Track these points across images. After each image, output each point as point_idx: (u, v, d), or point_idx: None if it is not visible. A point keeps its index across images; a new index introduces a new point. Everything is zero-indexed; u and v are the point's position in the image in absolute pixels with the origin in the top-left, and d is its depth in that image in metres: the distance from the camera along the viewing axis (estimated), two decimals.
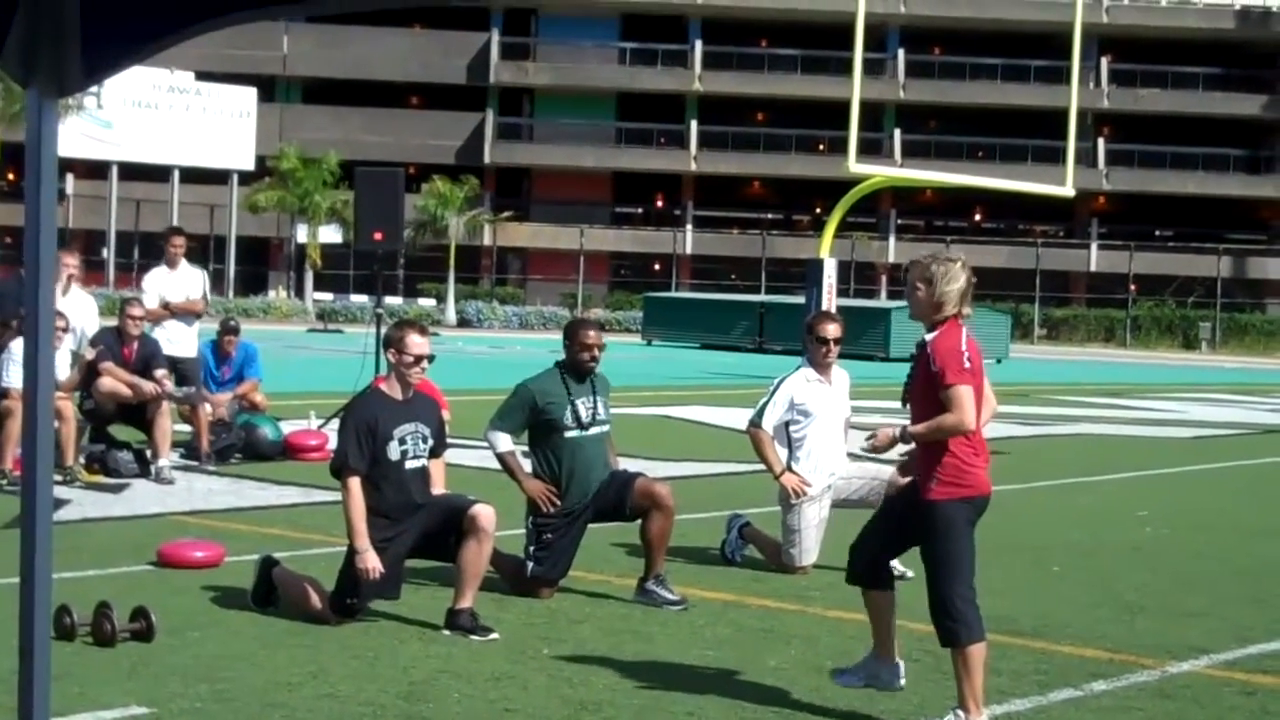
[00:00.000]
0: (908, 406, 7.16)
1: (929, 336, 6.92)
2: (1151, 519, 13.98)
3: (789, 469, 10.63)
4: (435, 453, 8.83)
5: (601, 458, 9.71)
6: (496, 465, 9.84)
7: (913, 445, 7.04)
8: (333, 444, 11.28)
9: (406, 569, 8.83)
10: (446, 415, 10.34)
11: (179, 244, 15.81)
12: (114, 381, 13.92)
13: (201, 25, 1.99)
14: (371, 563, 8.29)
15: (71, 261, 14.44)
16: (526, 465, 9.74)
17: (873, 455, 7.87)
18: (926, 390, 6.90)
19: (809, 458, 10.65)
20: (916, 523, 7.00)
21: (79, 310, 14.12)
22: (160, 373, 14.14)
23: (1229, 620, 9.44)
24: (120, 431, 14.59)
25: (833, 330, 10.75)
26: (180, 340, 15.32)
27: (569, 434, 9.53)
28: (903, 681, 7.33)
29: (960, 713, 6.91)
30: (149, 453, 14.07)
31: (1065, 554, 11.78)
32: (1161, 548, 12.45)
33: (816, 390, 10.68)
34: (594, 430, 9.63)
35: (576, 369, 9.65)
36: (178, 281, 15.60)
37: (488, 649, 8.09)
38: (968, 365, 6.81)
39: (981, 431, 7.01)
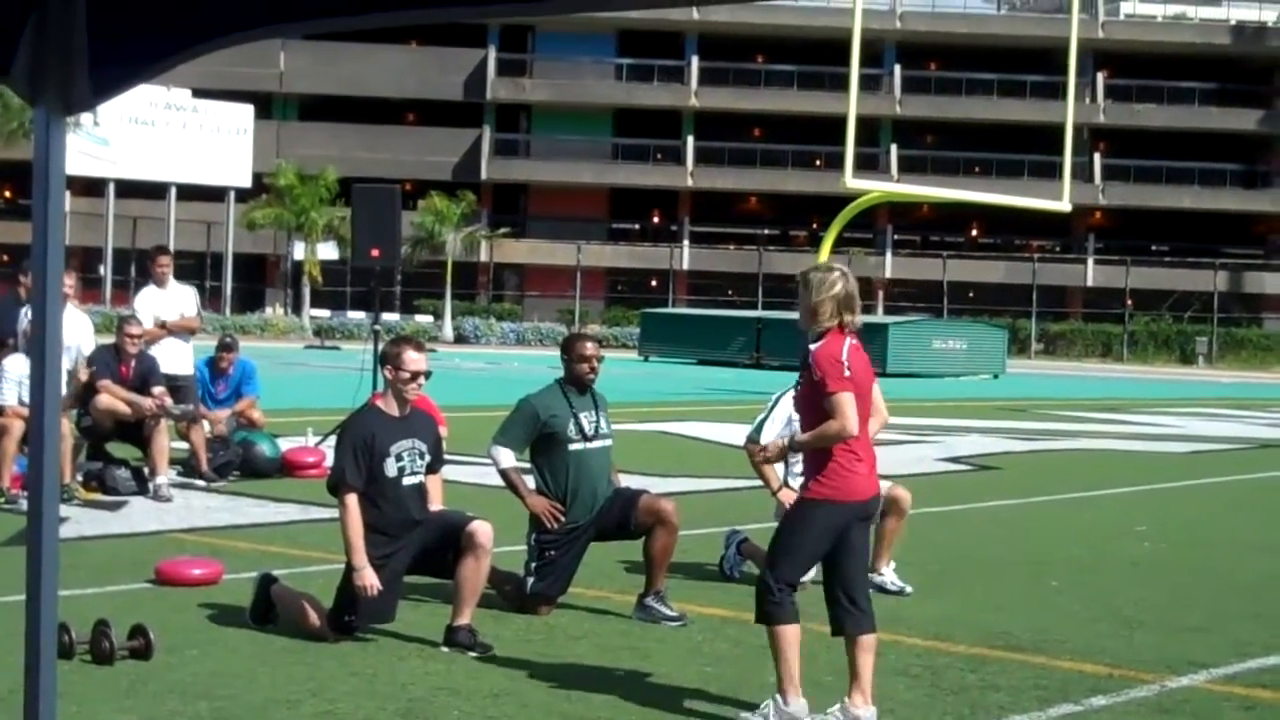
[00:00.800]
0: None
1: (812, 347, 7.21)
2: (1150, 534, 13.98)
3: (786, 485, 10.62)
4: (433, 469, 8.83)
5: (605, 472, 9.71)
6: (495, 482, 9.85)
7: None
8: (330, 461, 11.28)
9: (405, 585, 8.83)
10: (444, 432, 10.35)
11: (165, 263, 15.81)
12: (112, 399, 13.91)
13: (208, 44, 2.00)
14: (369, 580, 8.29)
15: (68, 281, 14.44)
16: (530, 482, 9.74)
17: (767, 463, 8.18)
18: (811, 399, 7.18)
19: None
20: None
21: (74, 328, 14.12)
22: (158, 390, 14.14)
23: (1228, 635, 9.44)
24: (117, 449, 14.59)
25: None
26: (176, 358, 15.30)
27: (573, 446, 9.53)
28: None
29: (777, 697, 7.05)
30: (146, 470, 14.07)
31: (1064, 569, 11.78)
32: (1160, 562, 12.46)
33: None
34: (597, 443, 9.63)
35: (577, 382, 9.66)
36: (169, 300, 15.59)
37: (486, 665, 8.08)
38: (848, 374, 7.05)
39: (868, 439, 7.26)
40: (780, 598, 6.99)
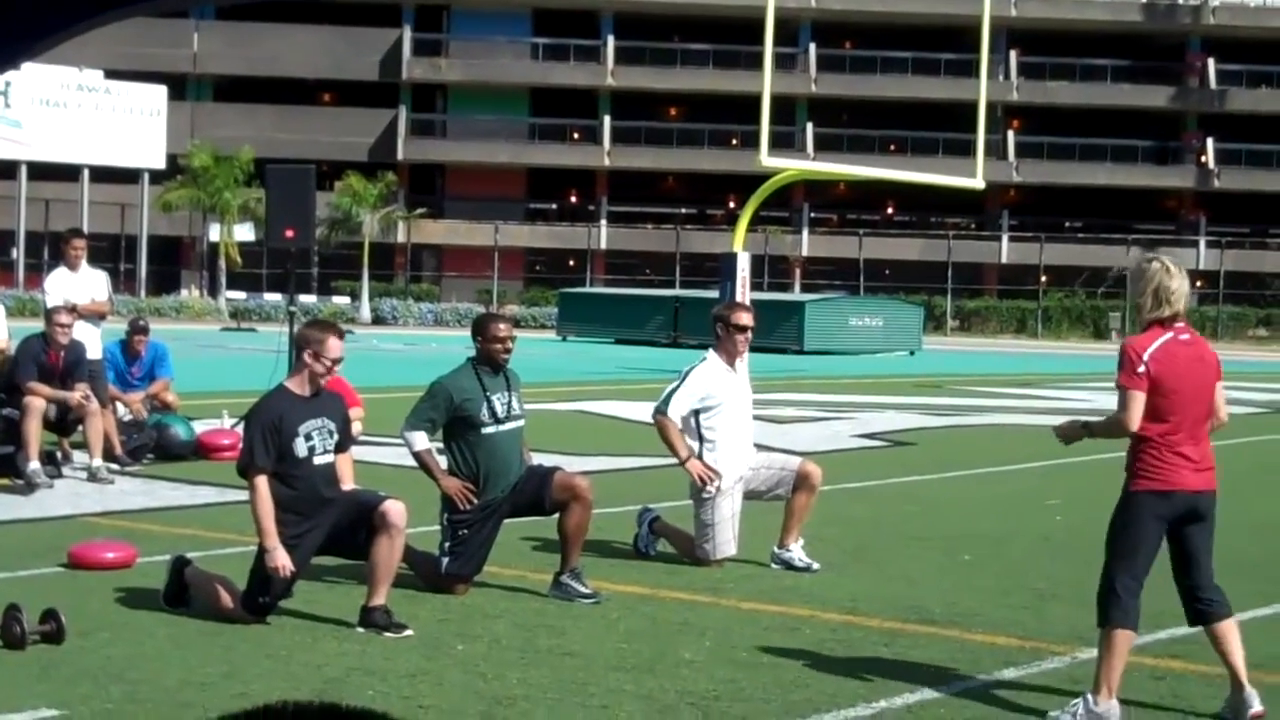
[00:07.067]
0: None
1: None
2: (1062, 507, 14.12)
3: (696, 456, 10.61)
4: (342, 447, 8.82)
5: (517, 452, 9.73)
6: (412, 463, 9.84)
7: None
8: None
9: (321, 566, 8.81)
10: (360, 413, 10.32)
11: (79, 246, 15.63)
12: (41, 401, 13.70)
13: (95, 20, 1.97)
14: (281, 561, 8.27)
15: None
16: (442, 462, 9.73)
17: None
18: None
19: (719, 448, 10.64)
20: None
21: None
22: (81, 386, 13.98)
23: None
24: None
25: (748, 319, 10.83)
26: (85, 341, 15.16)
27: (486, 430, 9.53)
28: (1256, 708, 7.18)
29: (1090, 695, 7.12)
30: (83, 454, 14.03)
31: (977, 543, 11.88)
32: (1072, 535, 12.55)
33: (726, 380, 10.71)
34: (509, 425, 9.63)
35: (490, 363, 9.65)
36: (80, 283, 15.42)
37: (402, 646, 8.08)
38: (1142, 370, 7.05)
39: (1198, 435, 7.21)
40: (1125, 602, 7.07)
